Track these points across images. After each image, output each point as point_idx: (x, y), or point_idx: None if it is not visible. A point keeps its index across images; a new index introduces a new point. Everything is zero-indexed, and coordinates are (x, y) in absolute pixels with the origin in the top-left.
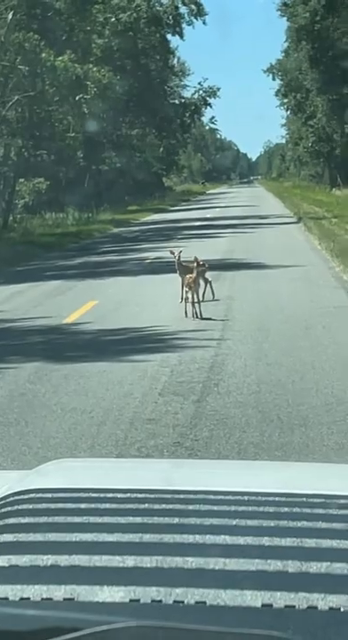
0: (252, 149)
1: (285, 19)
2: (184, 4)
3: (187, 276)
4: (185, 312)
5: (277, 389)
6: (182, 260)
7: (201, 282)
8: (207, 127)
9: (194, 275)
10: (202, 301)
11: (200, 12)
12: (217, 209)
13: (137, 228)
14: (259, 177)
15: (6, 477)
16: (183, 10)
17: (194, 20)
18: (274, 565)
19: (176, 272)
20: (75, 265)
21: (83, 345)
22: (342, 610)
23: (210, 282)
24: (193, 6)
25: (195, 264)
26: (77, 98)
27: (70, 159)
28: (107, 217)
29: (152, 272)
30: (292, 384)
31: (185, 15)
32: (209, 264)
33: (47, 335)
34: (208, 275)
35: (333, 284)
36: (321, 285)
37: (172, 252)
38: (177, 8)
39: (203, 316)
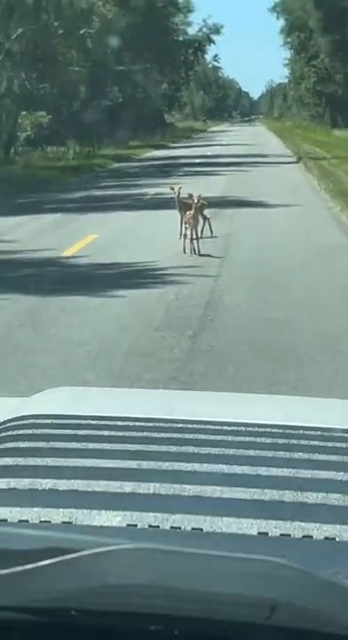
0: (254, 88)
1: None
2: None
3: (186, 213)
4: (184, 248)
5: (272, 327)
6: (182, 196)
7: (200, 219)
8: (210, 65)
9: (193, 211)
10: (201, 238)
11: None
12: (218, 147)
13: (137, 164)
14: (261, 116)
15: (3, 403)
16: None
17: None
18: (270, 495)
19: (175, 208)
20: (76, 199)
21: (81, 278)
22: (337, 539)
23: (209, 219)
24: None
25: (194, 201)
26: (82, 32)
27: (73, 93)
28: (109, 152)
29: (151, 207)
30: (287, 322)
31: None
32: (208, 201)
33: (46, 268)
34: (206, 212)
35: (331, 223)
36: (319, 225)
37: (172, 189)
38: None
39: (201, 253)
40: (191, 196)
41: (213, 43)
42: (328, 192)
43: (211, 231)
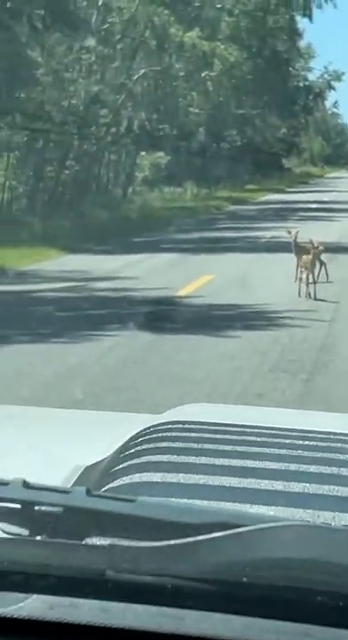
0: None
1: None
2: None
3: (303, 257)
4: (299, 292)
5: None
6: (298, 240)
7: (317, 263)
8: (329, 111)
9: (311, 256)
10: (316, 282)
11: None
12: (335, 193)
13: (254, 207)
14: None
15: (135, 418)
16: None
17: (324, 3)
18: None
19: (291, 252)
20: (191, 239)
21: (196, 318)
22: None
23: (325, 264)
24: None
25: (314, 245)
26: (203, 74)
27: (191, 135)
28: (225, 194)
29: (267, 250)
30: None
31: None
32: (324, 246)
33: (161, 306)
34: (323, 257)
35: None
36: None
37: (289, 232)
38: None
39: (317, 297)
40: (311, 241)
41: (333, 89)
42: None
43: (327, 276)
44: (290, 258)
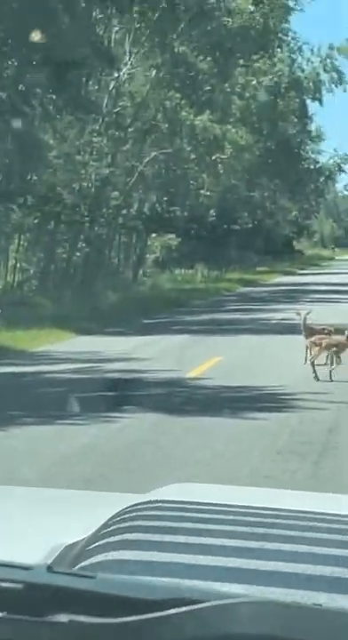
0: None
1: None
2: (325, 71)
3: (315, 338)
4: (314, 374)
5: None
6: (308, 322)
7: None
8: (340, 194)
9: (345, 339)
10: (326, 364)
11: (341, 80)
12: (344, 275)
13: (264, 289)
14: None
15: (122, 498)
16: (324, 76)
17: (334, 88)
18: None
19: (301, 334)
20: (202, 321)
21: (205, 400)
22: None
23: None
24: (334, 74)
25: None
26: (214, 157)
27: (202, 217)
28: (236, 276)
29: (277, 332)
30: None
31: (326, 82)
32: (335, 328)
33: (171, 388)
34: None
35: None
36: None
37: (298, 314)
38: (318, 74)
39: (323, 378)
40: (329, 329)
41: (344, 172)
42: None
43: (339, 358)
44: (301, 339)
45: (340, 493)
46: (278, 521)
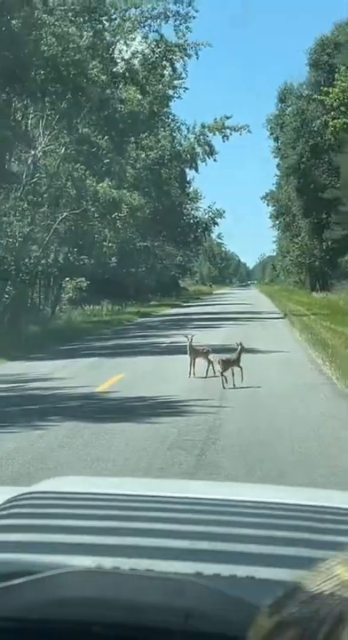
0: (250, 259)
1: (278, 159)
2: (199, 145)
3: (221, 358)
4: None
5: (261, 448)
6: (193, 343)
7: (205, 362)
8: (215, 241)
9: (234, 357)
10: (205, 377)
11: (211, 152)
12: (221, 305)
13: (157, 319)
14: (255, 281)
15: (12, 489)
16: (198, 149)
17: (207, 158)
18: (207, 544)
19: (186, 353)
20: (108, 346)
21: (111, 409)
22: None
23: (212, 362)
24: (206, 147)
25: (205, 350)
26: (113, 215)
27: (106, 263)
28: (134, 309)
29: (167, 353)
30: (273, 443)
31: (200, 153)
32: (212, 348)
33: (83, 400)
34: (211, 356)
35: (309, 365)
36: (300, 366)
37: (186, 337)
38: (193, 148)
39: (204, 388)
40: (208, 349)
41: (216, 224)
42: (307, 341)
43: (215, 372)
44: (186, 358)
45: (218, 480)
46: (145, 505)
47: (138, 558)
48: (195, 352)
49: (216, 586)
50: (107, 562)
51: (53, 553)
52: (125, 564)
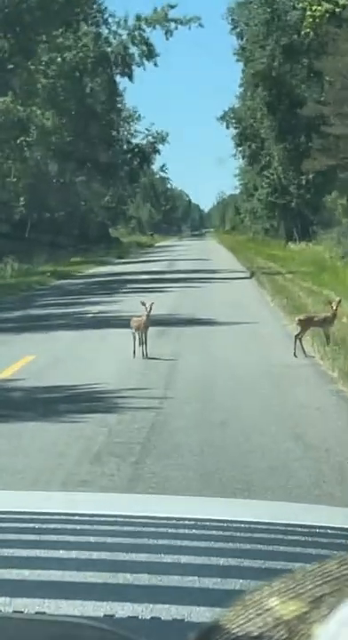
0: (205, 200)
1: (242, 63)
2: (134, 44)
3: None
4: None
5: (220, 452)
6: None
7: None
8: (157, 176)
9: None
10: (146, 357)
11: (150, 54)
12: (166, 262)
13: (80, 281)
14: (212, 229)
15: None
16: (133, 50)
17: (145, 62)
18: (122, 578)
19: (118, 327)
20: (12, 318)
21: (17, 403)
22: (185, 620)
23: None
24: (143, 47)
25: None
26: (19, 141)
27: (10, 206)
28: (49, 268)
29: (94, 326)
30: (236, 446)
31: (135, 56)
32: (155, 319)
33: None
34: (152, 331)
35: (284, 342)
36: (272, 343)
37: (143, 304)
38: (126, 48)
39: (145, 374)
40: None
41: (158, 152)
42: (281, 309)
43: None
44: (119, 333)
45: (159, 493)
46: (54, 526)
47: (33, 598)
48: (146, 325)
49: (113, 629)
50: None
51: None
52: (12, 604)
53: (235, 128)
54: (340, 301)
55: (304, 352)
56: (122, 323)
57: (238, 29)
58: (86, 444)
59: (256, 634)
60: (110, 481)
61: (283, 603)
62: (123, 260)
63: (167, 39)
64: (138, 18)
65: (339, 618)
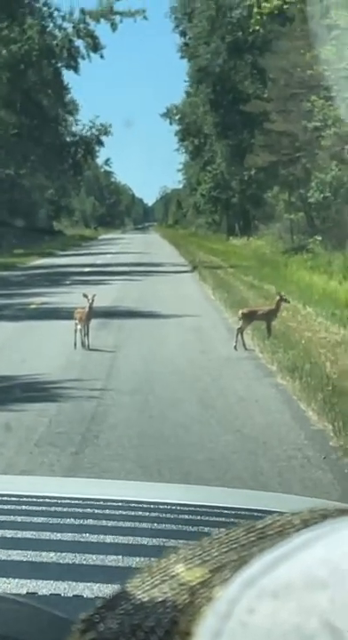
0: (148, 194)
1: (186, 60)
2: (79, 36)
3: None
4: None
5: (159, 443)
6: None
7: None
8: (101, 169)
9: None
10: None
11: (96, 46)
12: (109, 255)
13: (22, 272)
14: (155, 223)
15: None
16: (78, 43)
17: (90, 54)
18: (46, 557)
19: (61, 319)
20: None
21: None
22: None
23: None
24: (88, 39)
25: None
26: None
27: None
28: None
29: (36, 318)
30: (176, 438)
31: (81, 48)
32: (97, 312)
33: None
34: (94, 322)
35: (225, 335)
36: (213, 336)
37: (85, 296)
38: (71, 41)
39: (86, 366)
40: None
41: (102, 144)
42: (222, 302)
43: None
44: (62, 325)
45: (90, 479)
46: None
47: None
48: (88, 317)
49: (28, 603)
50: None
51: None
52: None
53: (179, 124)
54: (283, 295)
55: (245, 345)
56: (64, 314)
57: (181, 26)
58: (26, 434)
59: (160, 599)
60: (50, 471)
61: (189, 570)
62: (67, 253)
63: (113, 31)
64: (83, 12)
65: (241, 579)
